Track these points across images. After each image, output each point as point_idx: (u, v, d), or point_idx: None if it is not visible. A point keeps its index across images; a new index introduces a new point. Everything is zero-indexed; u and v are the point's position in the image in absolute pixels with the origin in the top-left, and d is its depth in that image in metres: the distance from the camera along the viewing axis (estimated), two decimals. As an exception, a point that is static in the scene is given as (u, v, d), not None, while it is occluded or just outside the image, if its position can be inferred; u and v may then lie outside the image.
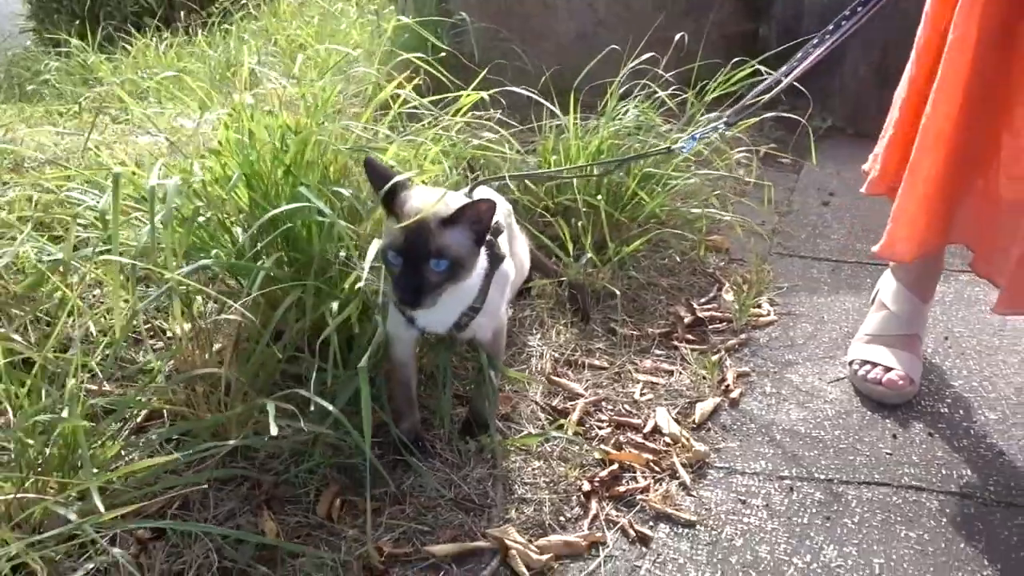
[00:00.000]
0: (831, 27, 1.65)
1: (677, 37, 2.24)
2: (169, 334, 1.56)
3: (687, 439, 1.58)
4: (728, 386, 1.75)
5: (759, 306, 2.04)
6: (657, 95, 2.20)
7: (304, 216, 1.42)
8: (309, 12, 3.92)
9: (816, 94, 1.72)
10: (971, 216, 1.63)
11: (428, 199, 1.34)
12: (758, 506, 1.45)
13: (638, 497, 1.45)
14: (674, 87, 2.22)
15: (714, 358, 1.81)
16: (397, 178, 1.33)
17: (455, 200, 1.39)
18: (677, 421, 1.63)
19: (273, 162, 1.49)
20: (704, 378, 1.76)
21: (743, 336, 1.93)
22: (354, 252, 1.43)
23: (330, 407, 1.27)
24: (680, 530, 1.40)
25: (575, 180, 2.01)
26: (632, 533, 1.38)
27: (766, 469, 1.53)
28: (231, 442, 1.30)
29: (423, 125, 1.67)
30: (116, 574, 1.20)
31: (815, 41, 1.67)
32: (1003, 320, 1.98)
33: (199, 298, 1.46)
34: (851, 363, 1.79)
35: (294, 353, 1.45)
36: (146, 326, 1.60)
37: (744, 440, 1.61)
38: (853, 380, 1.77)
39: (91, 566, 1.19)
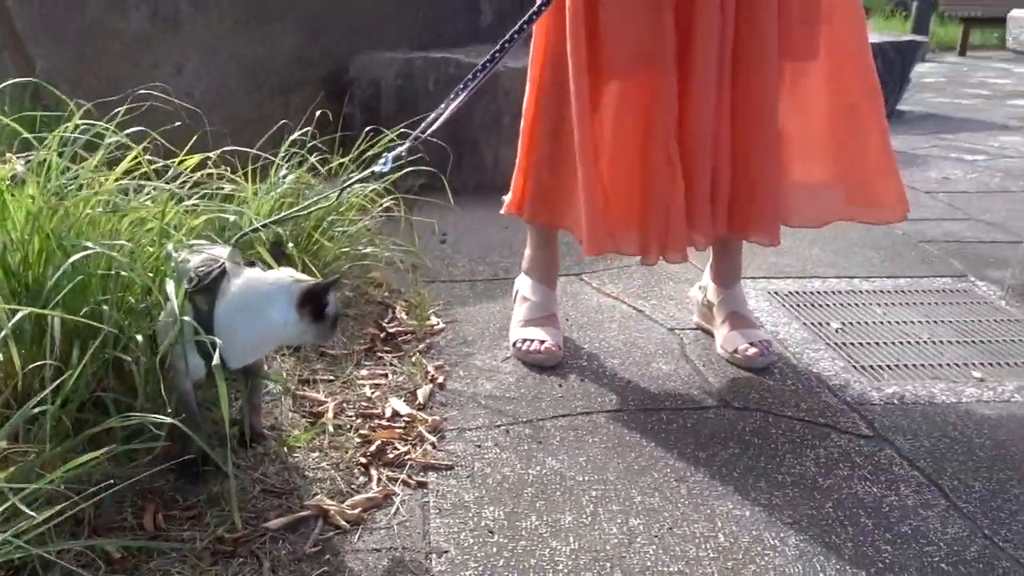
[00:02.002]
0: (460, 86, 2.18)
1: (319, 113, 2.66)
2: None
3: (421, 416, 1.99)
4: (433, 376, 2.19)
5: (429, 319, 2.52)
6: (306, 162, 2.60)
7: (87, 270, 1.59)
8: None
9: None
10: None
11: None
12: (490, 447, 1.91)
13: (405, 459, 1.83)
14: (317, 155, 2.63)
15: (413, 359, 2.25)
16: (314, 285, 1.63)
17: (223, 254, 1.67)
18: (408, 404, 2.04)
19: (32, 229, 1.62)
20: (413, 374, 2.18)
21: (428, 342, 2.39)
22: (138, 296, 1.63)
23: (168, 419, 1.47)
24: (445, 473, 1.80)
25: (262, 233, 2.32)
26: (412, 482, 1.76)
27: (485, 423, 2.00)
28: (79, 458, 1.41)
29: (166, 191, 1.87)
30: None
31: (452, 96, 2.17)
32: (598, 303, 2.70)
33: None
34: (514, 343, 2.34)
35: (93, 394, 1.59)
36: None
37: (460, 409, 2.06)
38: (519, 355, 2.32)
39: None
